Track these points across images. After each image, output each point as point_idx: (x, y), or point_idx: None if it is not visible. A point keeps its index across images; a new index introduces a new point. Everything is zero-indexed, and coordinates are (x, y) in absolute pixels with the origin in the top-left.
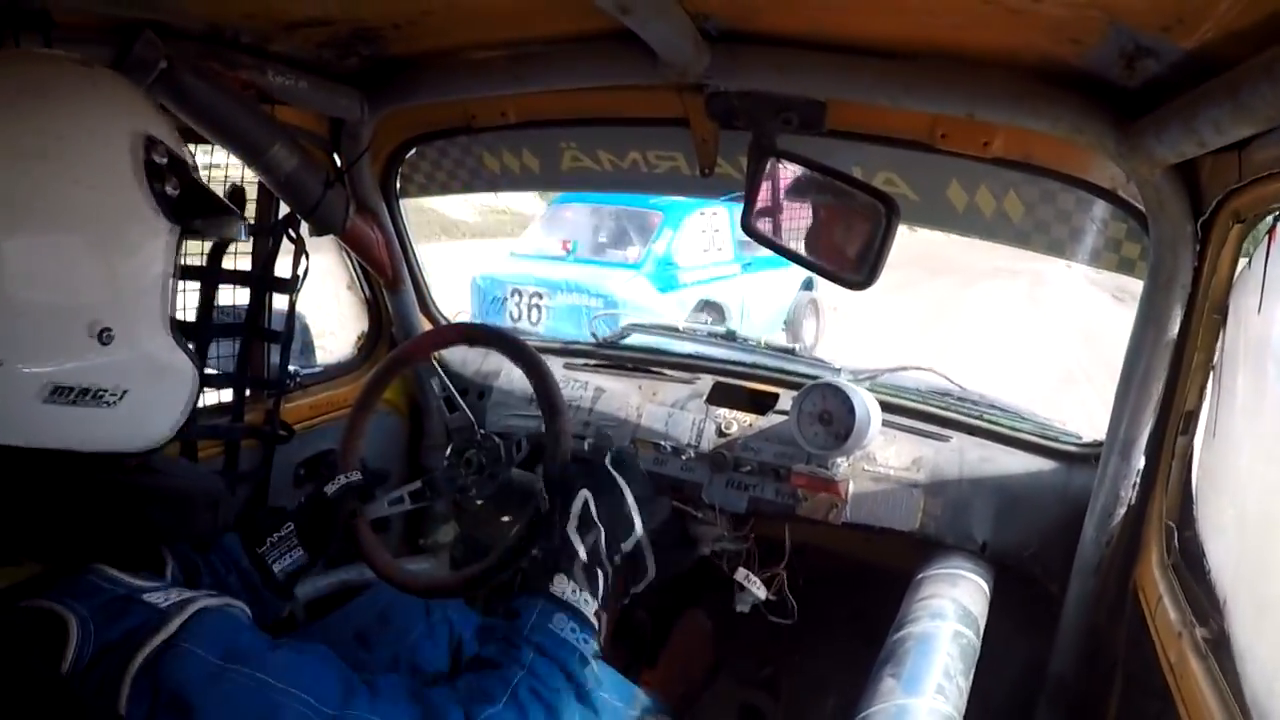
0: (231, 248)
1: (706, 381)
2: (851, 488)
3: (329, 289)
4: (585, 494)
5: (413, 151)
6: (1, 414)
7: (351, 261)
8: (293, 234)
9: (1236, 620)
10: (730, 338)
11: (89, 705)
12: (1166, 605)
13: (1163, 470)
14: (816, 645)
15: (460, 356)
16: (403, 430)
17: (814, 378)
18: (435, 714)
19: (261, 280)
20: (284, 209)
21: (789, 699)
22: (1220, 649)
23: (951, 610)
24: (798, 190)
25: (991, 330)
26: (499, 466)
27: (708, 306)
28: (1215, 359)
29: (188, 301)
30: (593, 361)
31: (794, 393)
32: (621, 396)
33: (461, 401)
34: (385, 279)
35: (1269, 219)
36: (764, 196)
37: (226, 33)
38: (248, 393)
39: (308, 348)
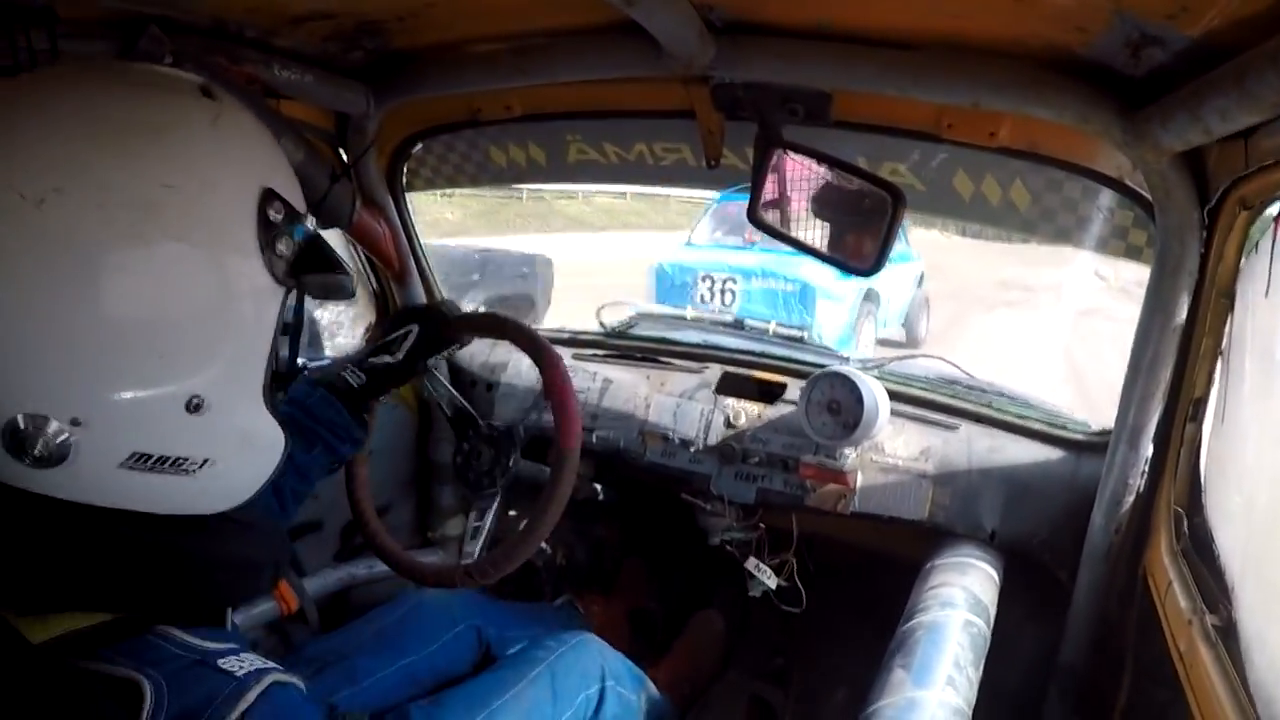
0: None
1: (715, 371)
2: (860, 478)
3: None
4: None
5: (419, 145)
6: (77, 475)
7: (358, 255)
8: None
9: (1245, 607)
10: (739, 326)
11: None
12: (1176, 592)
13: (1171, 457)
14: (826, 636)
15: (467, 348)
16: (411, 423)
17: (822, 366)
18: None
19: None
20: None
21: (799, 690)
22: (1229, 636)
23: (961, 599)
24: (804, 181)
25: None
26: (508, 459)
27: (869, 295)
28: (1223, 345)
29: None
30: (601, 351)
31: (802, 382)
32: (630, 387)
33: (460, 398)
34: (392, 272)
35: (1276, 205)
36: (770, 187)
37: (231, 27)
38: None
39: (315, 339)
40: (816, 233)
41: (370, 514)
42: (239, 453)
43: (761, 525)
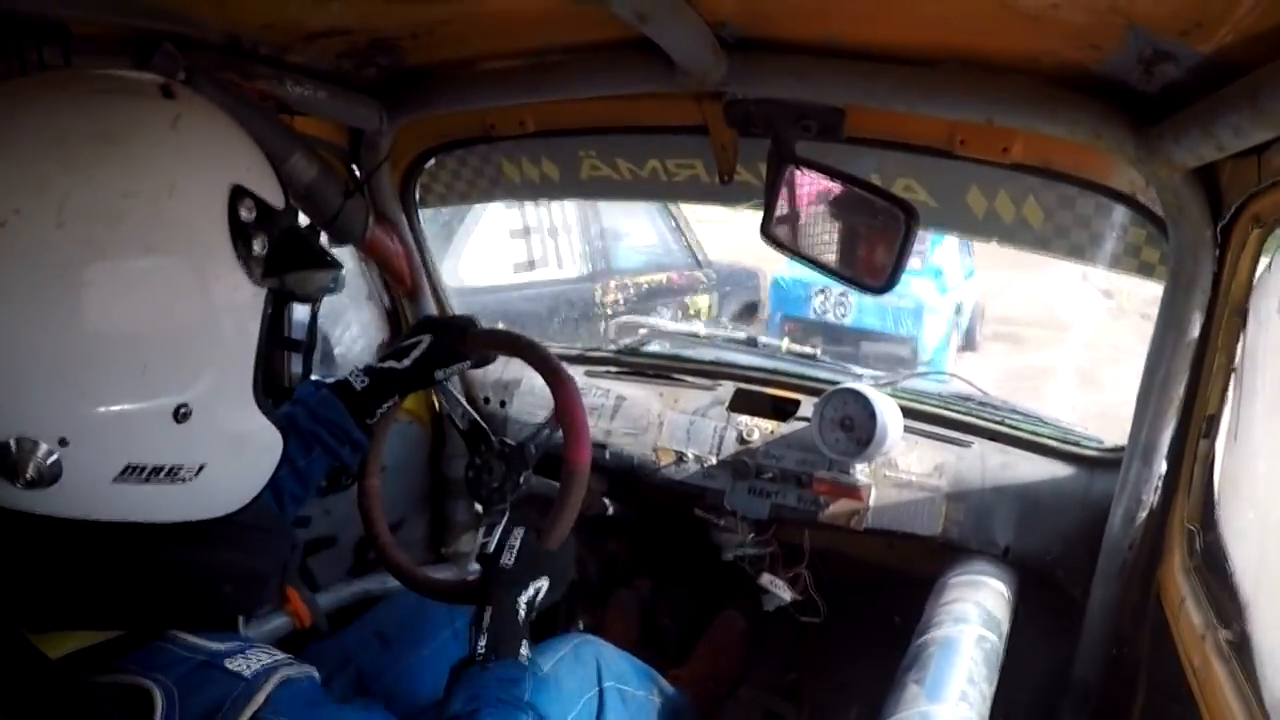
0: None
1: (728, 388)
2: (874, 493)
3: (348, 298)
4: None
5: (432, 161)
6: (72, 493)
7: (371, 271)
8: None
9: (1258, 622)
10: (751, 344)
11: None
12: (1190, 608)
13: (1184, 473)
14: (840, 651)
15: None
16: (424, 439)
17: (835, 383)
18: None
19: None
20: (304, 220)
21: (812, 705)
22: (1243, 652)
23: (975, 614)
24: (817, 197)
25: None
26: (519, 476)
27: (958, 308)
28: (1236, 362)
29: None
30: (614, 369)
31: (815, 399)
32: (643, 404)
33: (474, 412)
34: (404, 288)
35: None
36: (783, 204)
37: (245, 44)
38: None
39: (328, 357)
40: (830, 250)
41: (383, 529)
42: (234, 456)
43: (775, 541)
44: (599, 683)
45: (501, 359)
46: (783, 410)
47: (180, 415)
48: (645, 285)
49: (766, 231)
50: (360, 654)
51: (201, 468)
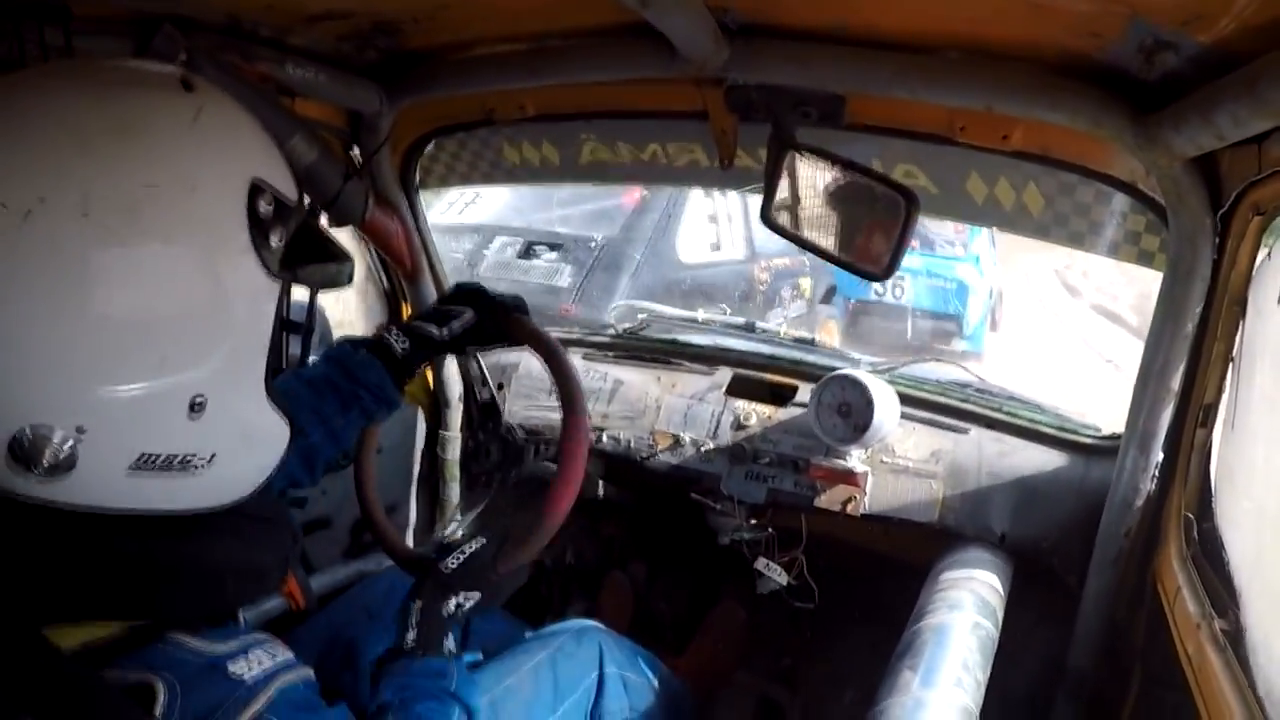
0: None
1: (725, 373)
2: (870, 480)
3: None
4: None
5: (432, 144)
6: (87, 481)
7: (371, 253)
8: None
9: (1253, 612)
10: (749, 329)
11: None
12: (1185, 597)
13: (1181, 462)
14: (835, 637)
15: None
16: (421, 421)
17: (833, 369)
18: None
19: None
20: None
21: (807, 691)
22: (1238, 641)
23: (970, 602)
24: (817, 183)
25: None
26: (511, 469)
27: (992, 292)
28: (1234, 351)
29: None
30: (612, 353)
31: (813, 384)
32: (640, 388)
33: (492, 389)
34: (404, 270)
35: None
36: (783, 189)
37: (246, 26)
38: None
39: (326, 339)
40: (829, 235)
41: (378, 511)
42: (243, 447)
43: (771, 526)
44: (600, 667)
45: None
46: (780, 396)
47: (195, 405)
48: (777, 267)
49: (766, 217)
50: (349, 629)
51: (213, 457)
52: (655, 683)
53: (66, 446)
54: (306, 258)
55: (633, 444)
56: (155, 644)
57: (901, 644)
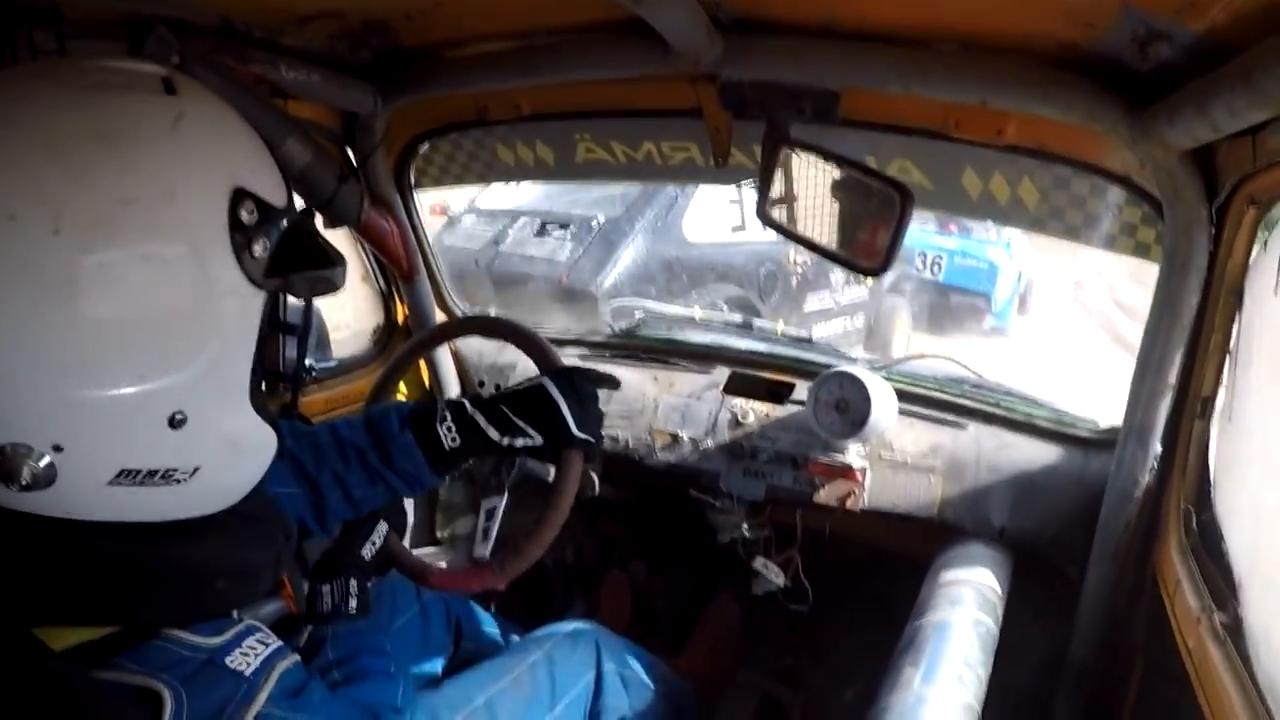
0: None
1: (722, 372)
2: (869, 475)
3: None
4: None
5: (426, 145)
6: (66, 496)
7: (366, 255)
8: None
9: (1253, 604)
10: (747, 327)
11: None
12: (1185, 589)
13: (1179, 454)
14: (836, 634)
15: (475, 349)
16: None
17: (830, 366)
18: None
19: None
20: (299, 202)
21: (809, 689)
22: (1237, 633)
23: (970, 597)
24: (812, 179)
25: None
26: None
27: (1020, 275)
28: (1231, 343)
29: None
30: (608, 352)
31: (810, 382)
32: (637, 387)
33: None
34: (400, 271)
35: None
36: (778, 186)
37: (238, 27)
38: (263, 387)
39: (322, 341)
40: (825, 231)
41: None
42: (228, 458)
43: (769, 524)
44: (597, 666)
45: (497, 343)
46: (777, 393)
47: (176, 421)
48: None
49: (762, 213)
50: (336, 635)
51: (196, 470)
52: (655, 681)
53: (43, 463)
54: (298, 262)
55: (631, 443)
56: (150, 640)
57: (903, 641)
